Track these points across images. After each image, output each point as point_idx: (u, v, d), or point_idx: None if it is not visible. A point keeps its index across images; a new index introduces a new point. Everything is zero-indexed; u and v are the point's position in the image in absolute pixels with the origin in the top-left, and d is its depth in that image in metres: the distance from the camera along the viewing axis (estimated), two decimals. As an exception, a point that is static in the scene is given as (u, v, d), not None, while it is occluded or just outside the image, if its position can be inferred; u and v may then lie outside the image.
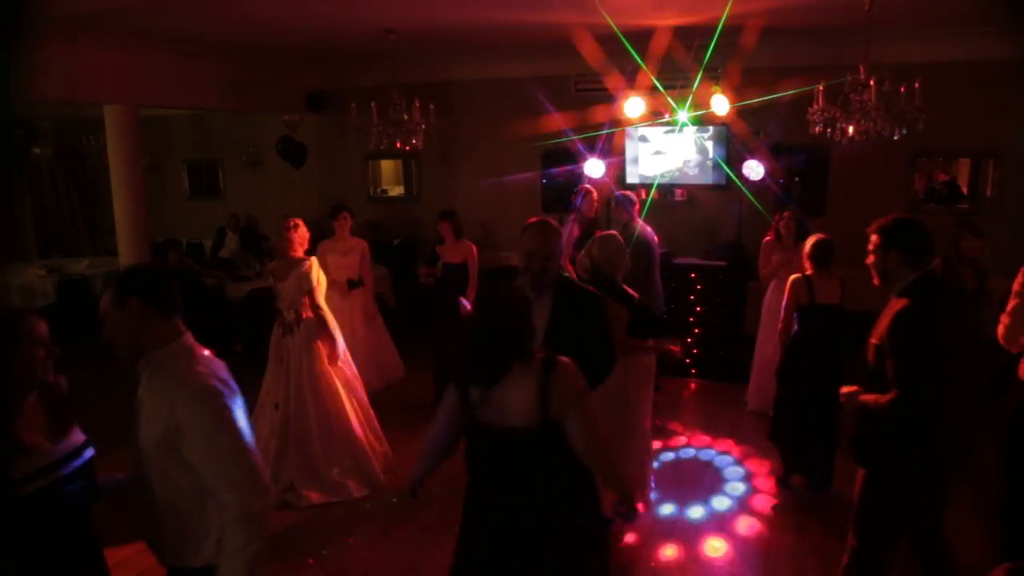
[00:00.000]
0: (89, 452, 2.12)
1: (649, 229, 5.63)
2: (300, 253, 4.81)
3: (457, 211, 6.25)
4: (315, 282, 4.73)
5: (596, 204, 6.32)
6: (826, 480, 4.64)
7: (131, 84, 7.22)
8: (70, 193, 11.77)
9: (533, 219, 3.09)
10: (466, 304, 5.40)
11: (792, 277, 4.71)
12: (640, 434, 4.24)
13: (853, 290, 4.54)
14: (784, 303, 4.75)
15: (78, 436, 2.12)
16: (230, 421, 2.02)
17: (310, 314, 4.76)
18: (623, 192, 5.98)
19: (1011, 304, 3.74)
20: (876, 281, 2.91)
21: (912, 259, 2.78)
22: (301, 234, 4.85)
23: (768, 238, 5.93)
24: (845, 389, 2.93)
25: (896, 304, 2.79)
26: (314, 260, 4.80)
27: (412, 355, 6.91)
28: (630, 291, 3.98)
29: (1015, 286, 3.72)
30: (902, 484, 2.85)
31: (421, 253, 8.84)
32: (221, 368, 2.14)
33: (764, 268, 5.89)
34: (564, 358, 2.35)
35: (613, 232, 4.31)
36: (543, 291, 2.93)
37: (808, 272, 4.63)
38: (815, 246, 4.61)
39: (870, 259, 2.90)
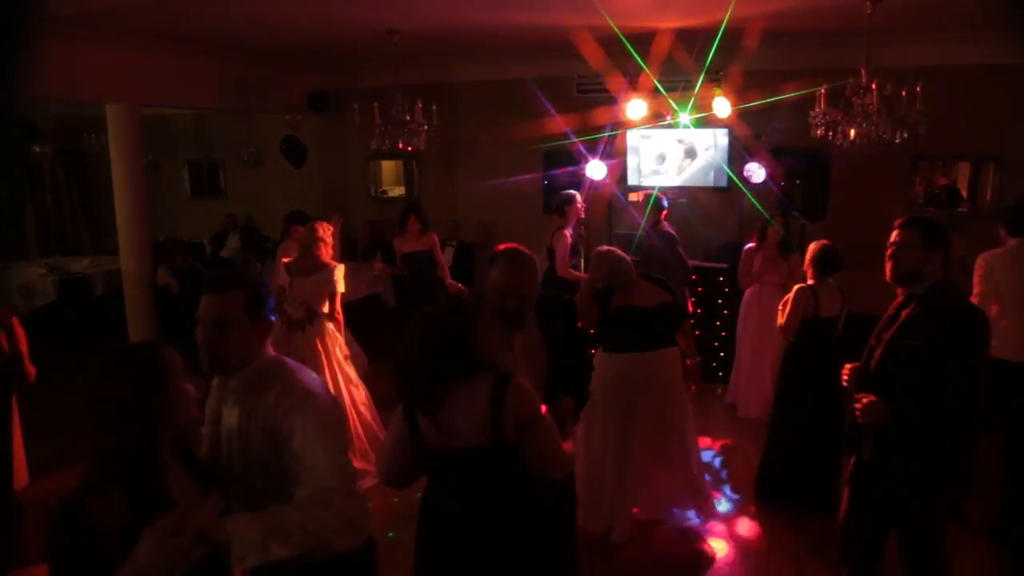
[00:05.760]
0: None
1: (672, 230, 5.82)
2: (328, 257, 4.99)
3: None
4: (341, 287, 4.97)
5: (580, 211, 6.37)
6: (827, 504, 4.29)
7: (133, 83, 7.23)
8: (71, 192, 11.77)
9: (503, 246, 2.66)
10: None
11: (798, 287, 4.37)
12: (691, 433, 4.24)
13: (852, 293, 4.49)
14: (787, 314, 4.37)
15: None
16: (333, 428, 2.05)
17: (325, 312, 4.95)
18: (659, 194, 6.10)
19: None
20: (890, 276, 2.75)
21: (946, 261, 2.66)
22: (331, 240, 5.08)
23: (751, 245, 5.84)
24: (865, 399, 2.70)
25: (932, 307, 2.64)
26: (342, 267, 5.04)
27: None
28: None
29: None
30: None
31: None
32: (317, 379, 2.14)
33: (744, 276, 5.83)
34: (519, 378, 2.19)
35: (611, 248, 4.22)
36: (518, 330, 2.63)
37: (810, 281, 4.33)
38: (820, 252, 4.30)
39: (893, 251, 2.71)
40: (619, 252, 4.12)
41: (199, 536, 1.62)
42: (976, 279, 4.10)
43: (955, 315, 2.62)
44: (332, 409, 2.09)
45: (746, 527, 4.34)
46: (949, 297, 2.67)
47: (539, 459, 2.19)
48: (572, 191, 6.36)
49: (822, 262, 4.29)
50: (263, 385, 2.01)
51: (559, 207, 6.18)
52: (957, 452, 2.68)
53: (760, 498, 4.57)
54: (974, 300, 4.05)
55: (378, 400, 5.43)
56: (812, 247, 4.42)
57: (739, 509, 4.53)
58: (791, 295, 4.37)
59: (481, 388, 2.14)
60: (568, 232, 6.30)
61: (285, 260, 5.23)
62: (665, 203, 6.04)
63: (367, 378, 6.19)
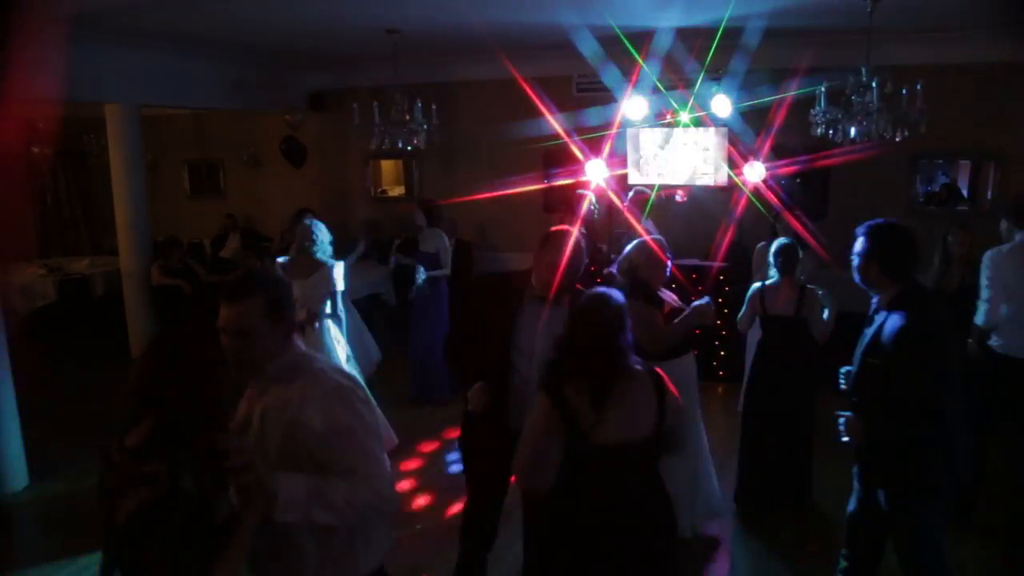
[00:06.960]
0: None
1: (652, 228, 5.68)
2: (325, 256, 4.96)
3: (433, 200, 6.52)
4: (341, 285, 4.94)
5: (593, 208, 6.35)
6: (802, 496, 4.48)
7: (132, 83, 7.22)
8: (70, 192, 11.75)
9: (556, 228, 2.99)
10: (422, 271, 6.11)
11: (753, 287, 4.53)
12: (700, 441, 4.14)
13: (851, 292, 4.46)
14: (740, 313, 4.61)
15: None
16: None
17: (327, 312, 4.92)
18: (637, 190, 6.01)
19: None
20: (856, 279, 2.86)
21: (891, 271, 2.71)
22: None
23: (763, 244, 5.85)
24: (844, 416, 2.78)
25: (890, 319, 2.70)
26: (341, 264, 4.99)
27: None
28: (668, 297, 3.96)
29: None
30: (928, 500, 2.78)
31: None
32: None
33: (757, 274, 5.81)
34: (658, 368, 2.39)
35: (658, 237, 4.14)
36: (562, 304, 2.86)
37: (773, 279, 4.41)
38: (776, 252, 4.38)
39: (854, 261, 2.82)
40: (663, 246, 3.94)
41: (256, 479, 1.74)
42: (985, 282, 4.06)
43: (902, 335, 2.62)
44: (362, 398, 2.07)
45: (745, 528, 4.34)
46: (905, 310, 2.66)
47: (681, 443, 2.46)
48: (585, 191, 6.35)
49: (774, 260, 4.38)
50: (287, 377, 2.04)
51: (571, 205, 6.18)
52: (941, 456, 2.68)
53: (739, 504, 4.53)
54: (983, 305, 4.03)
55: (381, 401, 5.43)
56: (773, 244, 4.51)
57: (731, 515, 4.52)
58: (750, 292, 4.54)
59: (645, 380, 2.31)
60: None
61: (280, 261, 5.18)
62: (636, 195, 6.12)
63: (376, 374, 6.22)
